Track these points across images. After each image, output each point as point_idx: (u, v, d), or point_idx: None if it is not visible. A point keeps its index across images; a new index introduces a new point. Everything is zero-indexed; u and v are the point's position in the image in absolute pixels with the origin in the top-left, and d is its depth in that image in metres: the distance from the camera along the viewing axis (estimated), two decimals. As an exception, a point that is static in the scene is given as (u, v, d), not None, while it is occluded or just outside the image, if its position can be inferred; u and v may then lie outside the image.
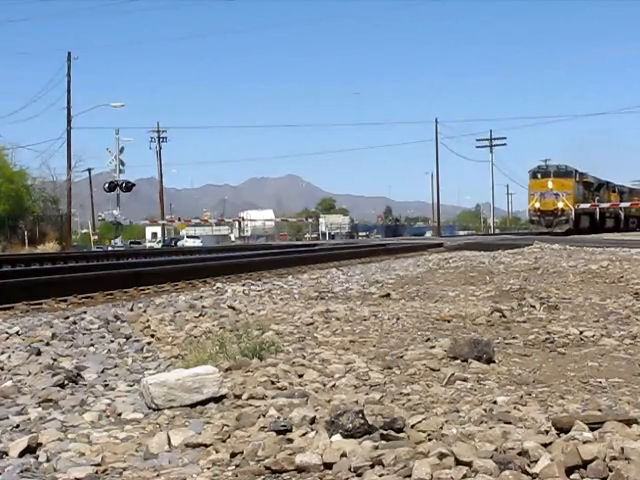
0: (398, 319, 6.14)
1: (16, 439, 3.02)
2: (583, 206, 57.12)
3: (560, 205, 52.36)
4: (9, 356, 4.70)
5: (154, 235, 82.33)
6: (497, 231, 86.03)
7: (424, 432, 2.86)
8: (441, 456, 2.50)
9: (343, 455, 2.59)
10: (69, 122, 54.61)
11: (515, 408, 3.28)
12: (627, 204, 63.36)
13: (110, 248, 46.45)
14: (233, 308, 7.11)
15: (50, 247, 47.94)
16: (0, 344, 5.17)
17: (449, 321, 6.05)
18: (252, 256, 18.70)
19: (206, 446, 2.89)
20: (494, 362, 4.40)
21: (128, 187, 55.07)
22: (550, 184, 52.65)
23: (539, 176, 54.11)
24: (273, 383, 3.82)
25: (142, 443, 2.97)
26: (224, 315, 6.55)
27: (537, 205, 52.68)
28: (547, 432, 2.81)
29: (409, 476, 2.39)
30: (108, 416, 3.45)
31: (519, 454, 2.52)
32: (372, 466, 2.50)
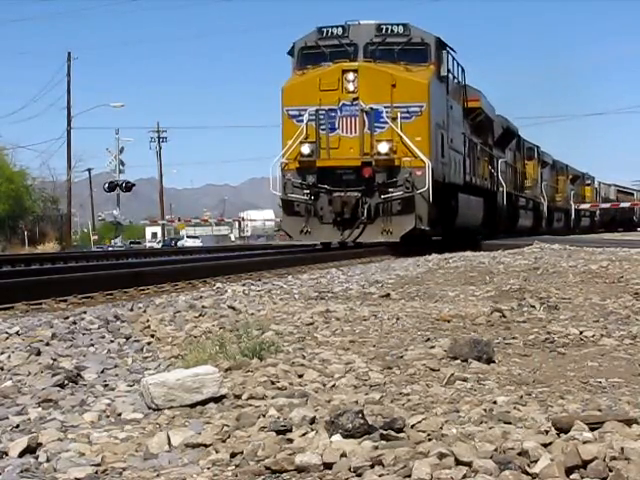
0: (398, 319, 6.14)
1: (16, 439, 3.01)
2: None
3: (384, 148, 19.59)
4: (9, 356, 4.70)
5: (154, 235, 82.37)
6: None
7: (424, 432, 2.86)
8: (441, 456, 2.50)
9: (343, 455, 2.59)
10: (69, 122, 54.70)
11: (515, 408, 3.28)
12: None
13: (110, 248, 46.46)
14: (233, 308, 7.11)
15: (50, 247, 47.98)
16: (0, 344, 5.17)
17: (449, 321, 6.05)
18: (252, 256, 18.70)
19: (206, 446, 2.89)
20: (494, 362, 4.40)
21: (128, 187, 55.10)
22: (352, 82, 19.76)
23: (320, 61, 20.56)
24: (273, 383, 3.82)
25: (142, 443, 2.96)
26: (224, 315, 6.55)
27: (306, 151, 19.85)
28: (547, 432, 2.81)
29: (409, 476, 2.39)
30: (108, 416, 3.45)
31: (519, 454, 2.52)
32: (372, 466, 2.50)
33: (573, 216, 43.37)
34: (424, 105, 20.17)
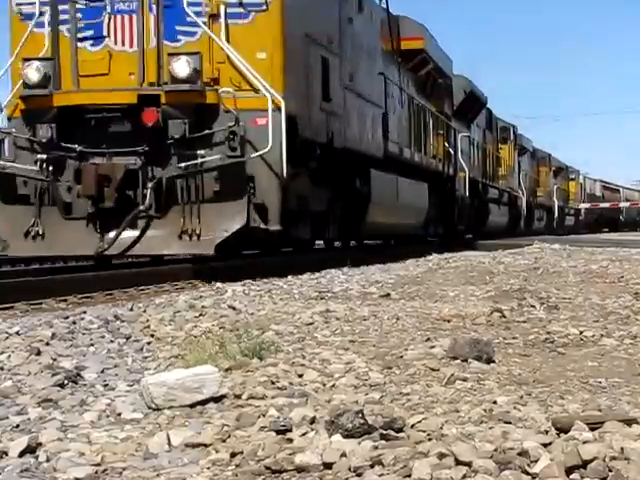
0: (398, 319, 6.14)
1: (16, 439, 3.01)
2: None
3: (183, 69, 9.62)
4: (9, 356, 4.69)
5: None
6: None
7: (424, 432, 2.86)
8: (441, 456, 2.49)
9: (343, 455, 2.59)
10: (69, 122, 54.63)
11: (515, 408, 3.27)
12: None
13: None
14: (233, 308, 7.11)
15: (50, 247, 47.86)
16: (0, 344, 5.17)
17: (449, 321, 6.05)
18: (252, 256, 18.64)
19: (206, 446, 2.89)
20: (494, 362, 4.40)
21: (128, 187, 55.04)
22: None
23: None
24: (273, 383, 3.82)
25: (142, 443, 2.96)
26: (224, 315, 6.55)
27: (34, 77, 9.80)
28: (547, 432, 2.81)
29: (409, 476, 2.39)
30: (108, 416, 3.45)
31: (519, 454, 2.52)
32: (372, 466, 2.50)
33: (557, 214, 36.44)
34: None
